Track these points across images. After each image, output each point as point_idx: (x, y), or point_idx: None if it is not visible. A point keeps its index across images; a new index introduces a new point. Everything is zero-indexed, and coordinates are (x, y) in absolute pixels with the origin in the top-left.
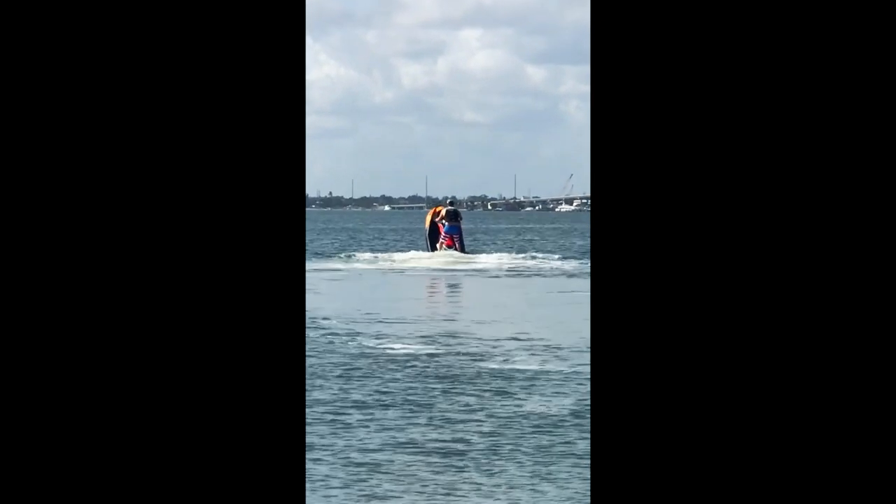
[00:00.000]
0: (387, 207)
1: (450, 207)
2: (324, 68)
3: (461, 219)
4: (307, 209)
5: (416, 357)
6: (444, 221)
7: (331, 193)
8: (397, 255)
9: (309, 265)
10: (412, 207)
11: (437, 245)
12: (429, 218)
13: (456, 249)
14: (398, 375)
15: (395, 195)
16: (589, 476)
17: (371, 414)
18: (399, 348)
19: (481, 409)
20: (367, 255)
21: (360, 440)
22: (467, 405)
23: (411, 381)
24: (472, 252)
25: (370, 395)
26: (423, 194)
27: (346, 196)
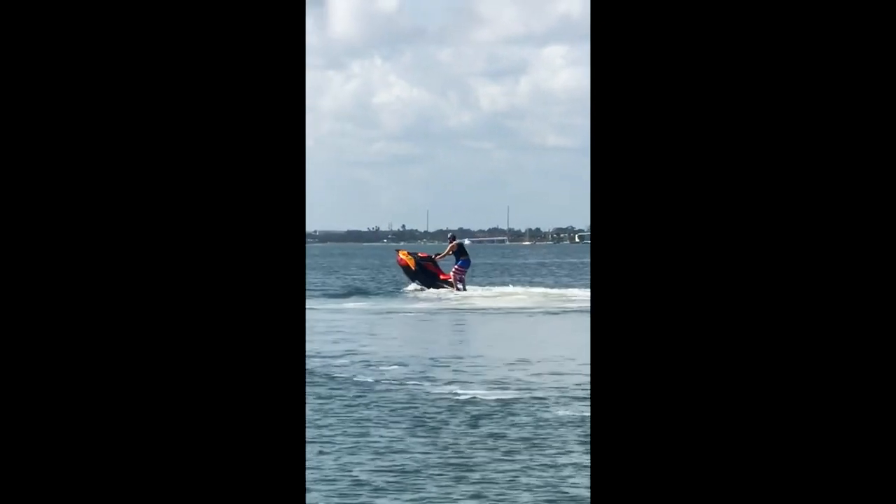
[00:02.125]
0: (467, 241)
1: (457, 241)
2: (394, 90)
3: None
4: (378, 244)
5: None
6: (457, 256)
7: (404, 227)
8: (485, 292)
9: (381, 304)
10: (493, 241)
11: (453, 284)
12: (409, 259)
13: (462, 282)
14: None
15: (474, 227)
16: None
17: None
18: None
19: None
20: (452, 292)
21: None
22: None
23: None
24: (565, 287)
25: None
26: (504, 226)
27: (421, 229)
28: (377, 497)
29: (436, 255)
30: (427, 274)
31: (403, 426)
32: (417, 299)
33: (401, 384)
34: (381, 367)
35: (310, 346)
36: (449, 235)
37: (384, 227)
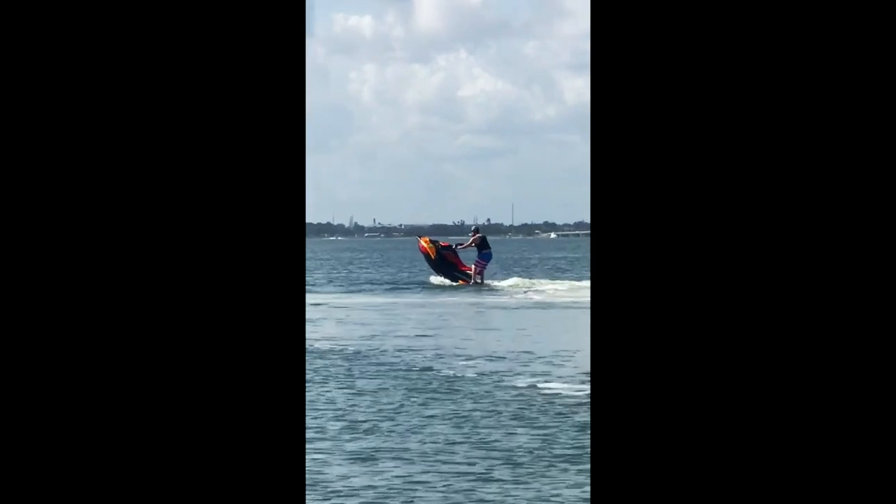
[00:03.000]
0: (553, 235)
1: (480, 234)
2: (478, 83)
3: None
4: (463, 237)
5: None
6: (479, 249)
7: (489, 220)
8: (563, 286)
9: (460, 297)
10: (578, 234)
11: (471, 276)
12: (430, 248)
13: (481, 275)
14: None
15: (560, 221)
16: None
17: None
18: None
19: None
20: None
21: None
22: None
23: None
24: None
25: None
26: (588, 219)
27: (506, 223)
28: (479, 487)
29: (457, 245)
30: (446, 263)
31: (503, 419)
32: (496, 293)
33: (488, 377)
34: (473, 362)
35: (395, 341)
36: (472, 228)
37: (469, 221)
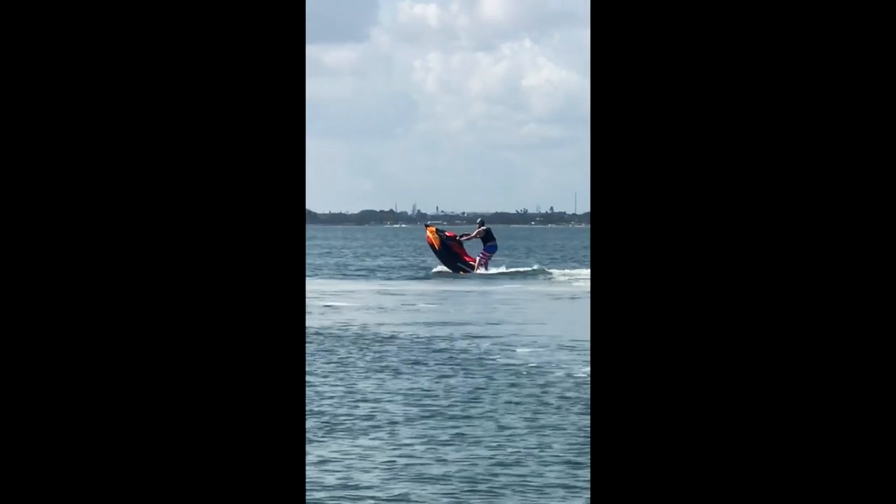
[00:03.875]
0: None
1: (485, 227)
2: (543, 72)
3: None
4: (525, 226)
5: None
6: (484, 241)
7: (552, 209)
8: None
9: (528, 286)
10: None
11: (476, 266)
12: (434, 238)
13: (485, 266)
14: None
15: None
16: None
17: None
18: None
19: None
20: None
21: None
22: None
23: None
24: None
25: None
26: None
27: (570, 211)
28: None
29: (461, 236)
30: (450, 254)
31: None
32: (554, 282)
33: (546, 365)
34: (536, 349)
35: (462, 329)
36: (478, 221)
37: (532, 210)
